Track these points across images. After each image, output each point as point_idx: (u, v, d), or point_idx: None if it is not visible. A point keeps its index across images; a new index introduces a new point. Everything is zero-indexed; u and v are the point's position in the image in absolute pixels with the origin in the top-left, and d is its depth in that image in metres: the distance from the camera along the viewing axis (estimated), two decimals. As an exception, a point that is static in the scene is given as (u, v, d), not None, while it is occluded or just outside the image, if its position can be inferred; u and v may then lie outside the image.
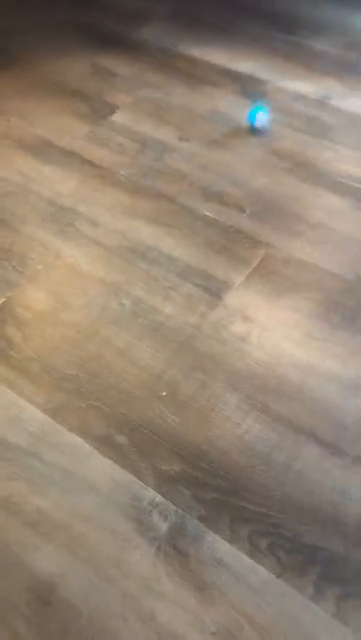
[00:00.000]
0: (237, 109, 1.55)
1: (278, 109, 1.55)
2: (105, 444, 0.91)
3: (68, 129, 1.48)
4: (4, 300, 1.10)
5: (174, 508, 0.85)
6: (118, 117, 1.52)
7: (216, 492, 0.87)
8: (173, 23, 1.87)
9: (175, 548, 0.82)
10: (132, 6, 1.96)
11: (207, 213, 1.28)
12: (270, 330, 1.08)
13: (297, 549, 0.82)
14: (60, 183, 1.34)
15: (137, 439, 0.92)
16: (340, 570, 0.80)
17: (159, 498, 0.86)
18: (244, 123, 1.50)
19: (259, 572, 0.80)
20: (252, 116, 1.47)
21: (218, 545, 0.82)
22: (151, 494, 0.86)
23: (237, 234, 1.24)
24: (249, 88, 1.60)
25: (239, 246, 1.22)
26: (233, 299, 1.13)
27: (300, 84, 1.63)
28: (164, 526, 0.84)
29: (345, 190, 1.34)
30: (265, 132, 1.45)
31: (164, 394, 0.98)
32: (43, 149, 1.42)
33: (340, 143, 1.45)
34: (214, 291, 1.14)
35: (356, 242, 1.23)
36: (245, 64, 1.71)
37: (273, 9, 1.94)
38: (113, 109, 1.55)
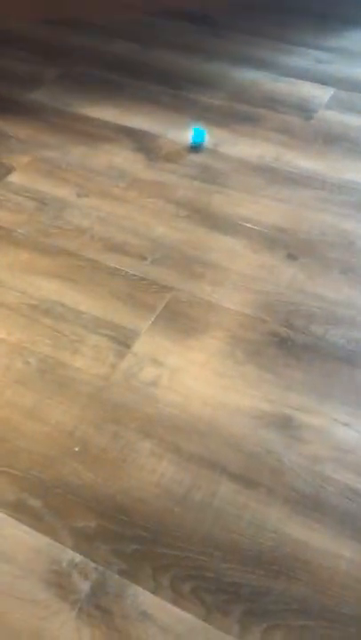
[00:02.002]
0: (133, 163, 1.61)
1: (173, 161, 1.63)
2: (18, 510, 0.89)
3: (-35, 193, 1.48)
4: None
5: (94, 565, 0.84)
6: (15, 178, 1.54)
7: (136, 542, 0.86)
8: (64, 85, 1.94)
9: (98, 608, 0.80)
10: (21, 71, 2.02)
11: (110, 264, 1.32)
12: (180, 371, 1.11)
13: (221, 589, 0.82)
14: None
15: (51, 500, 0.90)
16: (264, 603, 0.81)
17: (78, 557, 0.84)
18: (141, 175, 1.57)
19: (184, 620, 0.79)
20: (197, 137, 1.64)
21: (142, 597, 0.81)
22: (70, 555, 0.84)
23: (141, 281, 1.28)
24: (143, 142, 1.67)
25: (144, 293, 1.25)
26: (141, 345, 1.15)
27: (190, 136, 1.72)
28: (85, 586, 0.82)
29: (238, 231, 1.41)
30: (201, 147, 1.64)
31: (77, 449, 0.97)
32: None
33: (230, 187, 1.54)
34: (122, 339, 1.15)
35: (251, 279, 1.30)
36: (138, 120, 1.79)
37: (158, 68, 2.06)
38: (9, 170, 1.57)
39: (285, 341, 1.17)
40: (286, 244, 1.39)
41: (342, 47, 2.20)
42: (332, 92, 1.93)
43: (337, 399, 1.07)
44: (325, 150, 1.69)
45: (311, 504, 0.92)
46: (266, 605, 0.81)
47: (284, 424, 1.03)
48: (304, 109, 1.86)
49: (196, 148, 1.64)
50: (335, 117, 1.82)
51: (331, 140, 1.73)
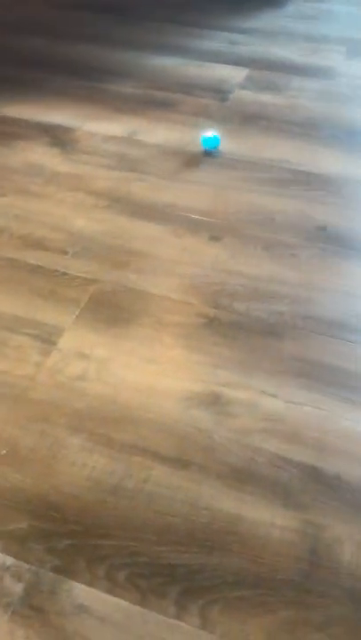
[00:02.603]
0: (50, 158, 1.59)
1: (90, 152, 1.61)
2: None
3: None
4: None
5: (27, 566, 0.82)
6: None
7: (69, 538, 0.85)
8: (-26, 85, 1.90)
9: (32, 608, 0.78)
10: None
11: (30, 261, 1.29)
12: (107, 362, 1.10)
13: (156, 572, 0.82)
14: None
15: (-20, 506, 0.88)
16: (200, 580, 0.82)
17: (10, 560, 0.83)
18: (59, 169, 1.54)
19: (121, 607, 0.79)
20: (212, 142, 1.60)
21: (77, 591, 0.80)
22: (0, 559, 0.83)
23: (63, 276, 1.26)
24: (59, 136, 1.64)
25: (66, 288, 1.24)
26: (66, 341, 1.13)
27: (107, 126, 1.70)
28: (18, 588, 0.80)
29: (160, 217, 1.41)
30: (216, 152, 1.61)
31: (4, 452, 0.95)
32: None
33: (150, 174, 1.53)
34: (46, 337, 1.14)
35: (176, 263, 1.30)
36: (53, 115, 1.76)
37: (70, 61, 2.03)
38: None
39: (212, 321, 1.18)
40: (209, 226, 1.40)
41: (255, 28, 2.21)
42: (246, 73, 1.95)
43: (264, 372, 1.08)
44: (242, 130, 1.70)
45: (243, 477, 0.93)
46: (201, 582, 0.81)
47: (214, 402, 1.03)
48: (220, 91, 1.86)
49: (210, 151, 1.61)
50: (250, 97, 1.84)
51: (247, 119, 1.74)
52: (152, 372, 1.08)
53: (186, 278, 1.27)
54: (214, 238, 1.36)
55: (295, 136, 1.68)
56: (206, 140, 1.58)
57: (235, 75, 1.94)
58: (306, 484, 0.92)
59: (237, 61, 2.01)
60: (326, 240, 1.37)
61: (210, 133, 1.57)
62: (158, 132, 1.68)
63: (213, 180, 1.53)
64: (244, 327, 1.17)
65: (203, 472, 0.93)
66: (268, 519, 0.88)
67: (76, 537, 0.85)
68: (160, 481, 0.92)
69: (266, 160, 1.59)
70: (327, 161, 1.60)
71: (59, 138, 1.67)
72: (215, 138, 1.58)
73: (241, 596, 0.80)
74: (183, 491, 0.91)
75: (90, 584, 0.81)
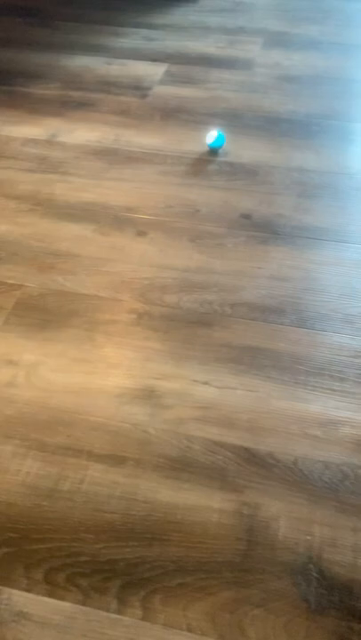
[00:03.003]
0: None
1: (9, 157, 1.58)
2: None
3: None
4: None
5: None
6: None
7: (6, 546, 0.84)
8: None
9: (-30, 622, 0.77)
10: None
11: None
12: (37, 367, 1.08)
13: (96, 570, 0.82)
14: None
15: None
16: (140, 572, 0.82)
17: None
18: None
19: (62, 609, 0.78)
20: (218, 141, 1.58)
21: (16, 598, 0.79)
22: None
23: (-12, 284, 1.24)
24: None
25: (-8, 296, 1.22)
26: (-5, 348, 1.11)
27: (26, 129, 1.68)
28: None
29: (84, 217, 1.40)
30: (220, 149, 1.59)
31: None
32: None
33: (72, 174, 1.52)
34: (-26, 346, 1.11)
35: (103, 261, 1.29)
36: (-29, 121, 1.73)
37: (-12, 65, 2.00)
38: None
39: (142, 316, 1.18)
40: (134, 223, 1.40)
41: (170, 23, 2.22)
42: (164, 68, 1.96)
43: (195, 360, 1.09)
44: (163, 125, 1.71)
45: (179, 466, 0.93)
46: (142, 574, 0.81)
47: (147, 395, 1.04)
48: (139, 88, 1.87)
49: (215, 150, 1.58)
50: (170, 92, 1.85)
51: (168, 114, 1.75)
52: (84, 373, 1.07)
53: (114, 276, 1.27)
54: (141, 234, 1.36)
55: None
56: (214, 141, 1.58)
57: (153, 71, 1.95)
58: (241, 466, 0.93)
59: (155, 57, 2.01)
60: (251, 227, 1.39)
61: (214, 134, 1.57)
62: (79, 133, 1.66)
63: (137, 177, 1.53)
64: (175, 319, 1.17)
65: (139, 466, 0.94)
66: (205, 505, 0.89)
67: (13, 544, 0.84)
68: (96, 479, 0.91)
69: (189, 153, 1.60)
70: (249, 150, 1.62)
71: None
72: (220, 136, 1.58)
73: (182, 583, 0.81)
74: (120, 486, 0.91)
75: (28, 590, 0.79)
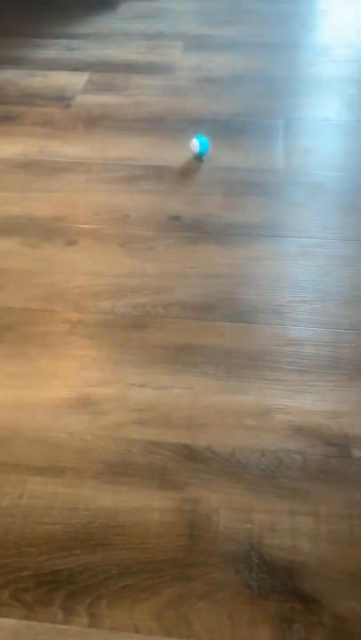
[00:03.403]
0: None
1: None
2: None
3: None
4: None
5: None
6: None
7: None
8: None
9: None
10: None
11: None
12: (-29, 386, 1.07)
13: (40, 583, 0.81)
14: None
15: None
16: (84, 580, 0.82)
17: None
18: None
19: (7, 626, 0.77)
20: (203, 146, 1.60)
21: None
22: None
23: None
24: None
25: None
26: None
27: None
28: None
29: (11, 230, 1.39)
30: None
31: None
32: None
33: (-3, 189, 1.51)
34: None
35: (33, 274, 1.28)
36: None
37: None
38: None
39: (76, 325, 1.18)
40: (64, 232, 1.39)
41: (90, 32, 2.23)
42: (86, 77, 1.96)
43: (131, 364, 1.10)
44: (88, 133, 1.71)
45: (118, 470, 0.93)
46: (86, 581, 0.81)
47: (84, 403, 1.03)
48: (62, 98, 1.86)
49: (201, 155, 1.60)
50: (93, 100, 1.85)
51: (92, 122, 1.75)
52: (18, 387, 1.06)
53: (46, 287, 1.26)
54: (70, 243, 1.36)
55: (141, 133, 1.72)
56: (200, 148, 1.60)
57: (75, 80, 1.95)
58: (180, 463, 0.94)
59: (76, 67, 2.01)
60: (181, 229, 1.41)
61: (196, 142, 1.59)
62: (2, 147, 1.65)
63: (64, 187, 1.52)
64: (109, 325, 1.18)
65: (78, 475, 0.93)
66: (146, 505, 0.89)
67: None
68: (36, 493, 0.91)
69: (115, 160, 1.61)
70: (174, 153, 1.64)
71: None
72: (203, 141, 1.59)
73: (126, 586, 0.81)
74: (60, 497, 0.90)
75: (-29, 612, 0.79)
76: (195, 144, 1.59)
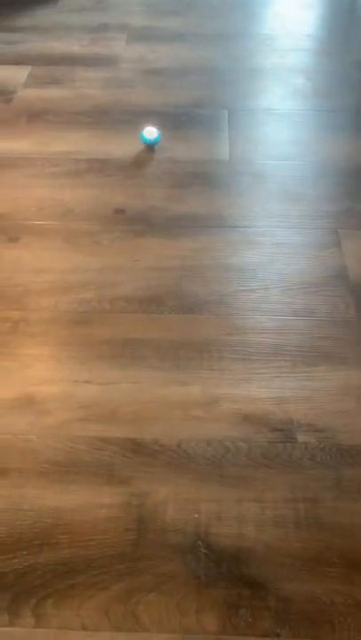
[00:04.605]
0: None
1: None
2: None
3: None
4: None
5: None
6: None
7: None
8: None
9: None
10: None
11: None
12: None
13: (-16, 587, 0.81)
14: None
15: None
16: (30, 581, 0.81)
17: None
18: None
19: None
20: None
21: None
22: None
23: None
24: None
25: None
26: None
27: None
28: None
29: None
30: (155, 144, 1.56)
31: None
32: None
33: None
34: None
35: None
36: None
37: None
38: None
39: (18, 324, 1.15)
40: (5, 229, 1.36)
41: (31, 25, 2.18)
42: (28, 71, 1.91)
43: (75, 361, 1.08)
44: (30, 128, 1.67)
45: (64, 469, 0.92)
46: (32, 582, 0.80)
47: (28, 403, 1.01)
48: (2, 93, 1.81)
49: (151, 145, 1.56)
50: (35, 94, 1.81)
51: (34, 116, 1.71)
52: None
53: (-12, 286, 1.23)
54: (13, 240, 1.33)
55: (85, 126, 1.69)
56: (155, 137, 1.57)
57: (16, 74, 1.90)
58: (127, 457, 0.94)
59: (18, 60, 1.96)
60: (126, 222, 1.40)
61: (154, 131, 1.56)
62: None
63: (5, 183, 1.49)
64: (53, 322, 1.16)
65: (23, 475, 0.92)
66: (93, 502, 0.89)
67: None
68: (-17, 495, 0.89)
69: (57, 154, 1.58)
70: (119, 145, 1.62)
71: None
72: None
73: (73, 584, 0.80)
74: (4, 499, 0.89)
75: None
76: (149, 131, 1.56)
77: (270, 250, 1.32)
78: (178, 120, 1.74)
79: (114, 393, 1.03)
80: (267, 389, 1.04)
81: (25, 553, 0.83)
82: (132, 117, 1.73)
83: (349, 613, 0.78)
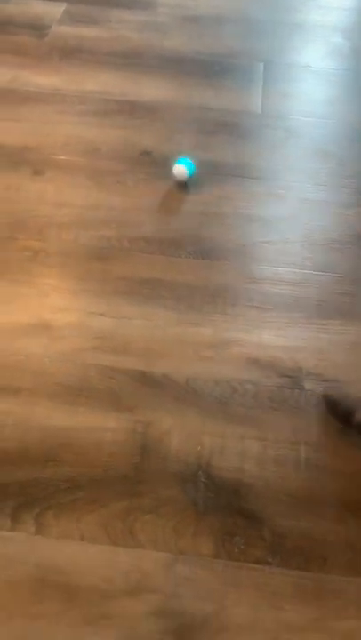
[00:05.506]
0: None
1: None
2: None
3: None
4: None
5: None
6: None
7: None
8: None
9: None
10: None
11: None
12: None
13: (-11, 494, 0.83)
14: None
15: None
16: (34, 493, 0.83)
17: None
18: None
19: None
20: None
21: None
22: None
23: None
24: None
25: None
26: None
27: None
28: None
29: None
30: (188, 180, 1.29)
31: None
32: None
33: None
34: None
35: (-2, 200, 1.26)
36: None
37: None
38: None
39: (38, 253, 1.16)
40: (31, 162, 1.36)
41: None
42: (63, 8, 1.87)
43: (92, 294, 1.09)
44: (62, 65, 1.65)
45: (75, 392, 0.94)
46: (35, 494, 0.83)
47: (43, 329, 1.03)
48: (37, 28, 1.78)
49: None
50: (69, 31, 1.78)
51: (67, 54, 1.69)
52: (-20, 310, 1.06)
53: (10, 215, 1.23)
54: (38, 173, 1.33)
55: (118, 67, 1.66)
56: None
57: (52, 10, 1.86)
58: (136, 388, 0.95)
59: (54, -4, 1.93)
60: (151, 165, 1.38)
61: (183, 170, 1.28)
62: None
63: (35, 117, 1.48)
64: (72, 255, 1.16)
65: (34, 395, 0.94)
66: (100, 426, 0.91)
67: None
68: (-9, 411, 0.92)
69: (89, 93, 1.56)
70: (150, 89, 1.60)
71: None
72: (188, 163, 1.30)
73: (75, 499, 0.83)
74: (14, 415, 0.91)
75: None
76: (179, 170, 1.28)
77: (295, 204, 1.31)
78: (211, 69, 1.70)
79: (128, 327, 1.05)
80: (279, 337, 1.05)
81: (29, 467, 0.85)
82: (165, 63, 1.70)
83: (341, 552, 0.80)
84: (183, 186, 1.30)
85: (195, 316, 1.07)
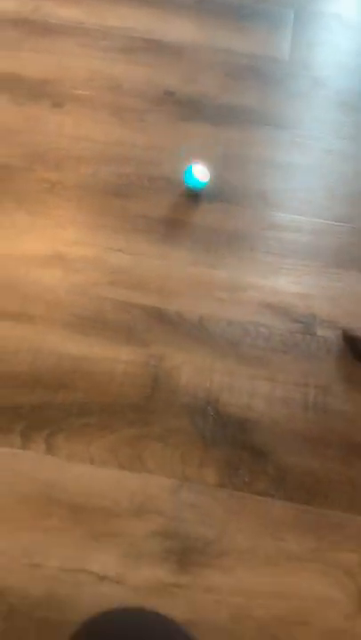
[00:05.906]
0: None
1: None
2: None
3: None
4: None
5: None
6: None
7: None
8: None
9: None
10: None
11: None
12: None
13: (0, 414, 0.85)
14: None
15: None
16: (45, 415, 0.85)
17: None
18: None
19: (-33, 447, 0.81)
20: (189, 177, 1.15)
21: None
22: None
23: None
24: None
25: None
26: None
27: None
28: None
29: (-2, 85, 1.32)
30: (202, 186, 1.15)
31: None
32: None
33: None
34: None
35: (17, 132, 1.21)
36: None
37: None
38: None
39: (55, 185, 1.14)
40: (51, 94, 1.33)
41: None
42: None
43: (110, 229, 1.09)
44: (87, -3, 1.60)
45: (89, 323, 0.95)
46: (47, 416, 0.84)
47: (59, 260, 1.03)
48: None
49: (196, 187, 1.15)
50: None
51: (92, -15, 1.64)
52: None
53: (28, 146, 1.21)
54: (57, 105, 1.30)
55: (144, 4, 1.60)
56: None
57: None
58: (149, 323, 0.96)
59: None
60: (175, 104, 1.35)
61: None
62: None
63: (58, 49, 1.43)
64: (90, 189, 1.15)
65: (48, 323, 0.94)
66: (113, 357, 0.92)
67: None
68: (3, 335, 0.92)
69: (113, 28, 1.52)
70: (177, 29, 1.55)
71: None
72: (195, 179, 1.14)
73: (86, 423, 0.84)
74: (27, 341, 0.92)
75: None
76: (200, 170, 1.13)
77: (318, 155, 1.29)
78: (240, 12, 1.64)
79: (144, 264, 1.04)
80: (293, 284, 1.05)
81: (42, 391, 0.87)
82: (192, 3, 1.63)
83: (343, 490, 0.82)
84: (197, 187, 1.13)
85: (212, 258, 1.07)
